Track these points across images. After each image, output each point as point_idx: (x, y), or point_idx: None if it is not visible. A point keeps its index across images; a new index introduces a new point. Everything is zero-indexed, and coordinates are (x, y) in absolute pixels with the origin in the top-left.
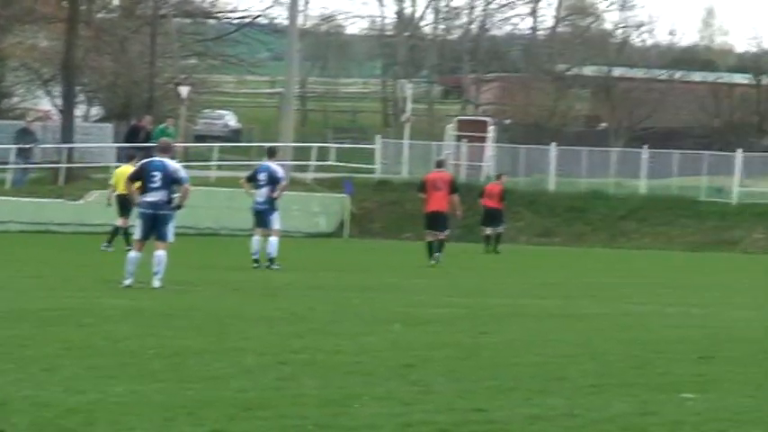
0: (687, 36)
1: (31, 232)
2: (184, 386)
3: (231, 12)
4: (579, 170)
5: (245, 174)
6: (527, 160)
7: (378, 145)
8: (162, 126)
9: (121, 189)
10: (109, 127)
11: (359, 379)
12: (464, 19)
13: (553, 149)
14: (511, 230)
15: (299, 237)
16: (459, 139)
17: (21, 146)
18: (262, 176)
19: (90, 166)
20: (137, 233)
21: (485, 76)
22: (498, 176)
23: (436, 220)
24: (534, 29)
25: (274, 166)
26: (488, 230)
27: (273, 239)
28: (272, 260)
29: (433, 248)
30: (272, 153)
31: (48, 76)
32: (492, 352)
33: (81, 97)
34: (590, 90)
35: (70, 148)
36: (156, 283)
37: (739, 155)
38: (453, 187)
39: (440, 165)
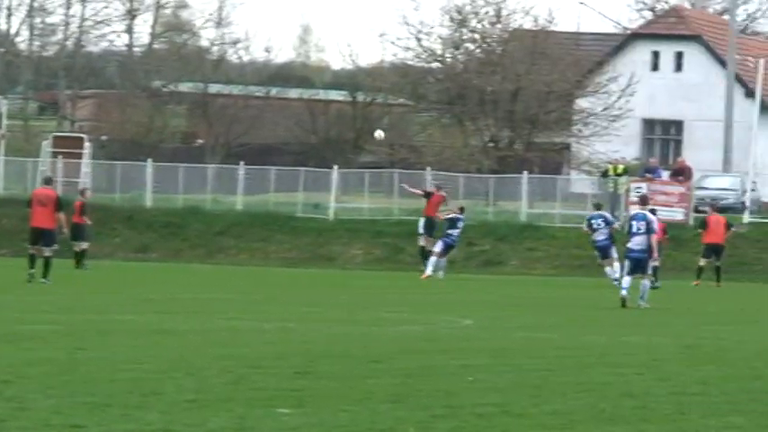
0: (283, 53)
1: None
2: None
3: None
4: (176, 186)
5: None
6: (124, 176)
7: None
8: None
9: None
10: None
11: None
12: (59, 35)
13: (149, 166)
14: (108, 246)
15: None
16: (55, 155)
17: None
18: None
19: None
20: None
21: (81, 92)
22: (82, 192)
23: (41, 236)
24: (130, 45)
25: None
26: (76, 246)
27: None
28: None
29: (34, 262)
30: None
31: None
32: (89, 368)
33: None
34: (186, 106)
35: None
36: None
37: (335, 171)
38: (58, 205)
39: (47, 182)
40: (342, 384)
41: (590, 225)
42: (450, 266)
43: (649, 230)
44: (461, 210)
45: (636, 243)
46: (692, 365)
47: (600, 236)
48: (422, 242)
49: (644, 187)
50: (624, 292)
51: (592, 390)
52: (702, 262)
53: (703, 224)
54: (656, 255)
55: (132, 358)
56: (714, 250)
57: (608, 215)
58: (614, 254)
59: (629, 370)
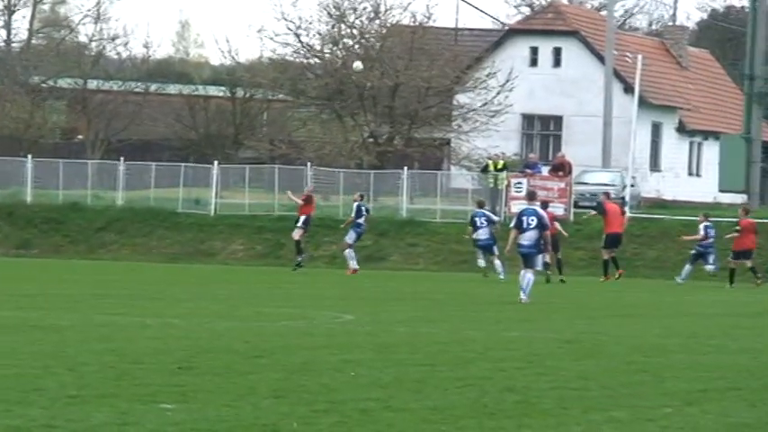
0: (162, 48)
1: None
2: None
3: None
4: (56, 182)
5: None
6: (3, 172)
7: None
8: None
9: None
10: None
11: None
12: None
13: (29, 162)
14: None
15: None
16: None
17: None
18: None
19: None
20: None
21: None
22: None
23: None
24: (8, 41)
25: None
26: None
27: None
28: None
29: None
30: None
31: None
32: None
33: None
34: (66, 102)
35: None
36: None
37: (216, 167)
38: None
39: None
40: (224, 380)
41: (473, 223)
42: (332, 261)
43: (541, 225)
44: (361, 197)
45: (527, 238)
46: (572, 360)
47: (482, 234)
48: (297, 236)
49: (524, 183)
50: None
51: (473, 385)
52: (606, 255)
53: (602, 210)
54: (549, 248)
55: (12, 354)
56: (617, 240)
57: (490, 213)
58: (496, 251)
59: (510, 365)
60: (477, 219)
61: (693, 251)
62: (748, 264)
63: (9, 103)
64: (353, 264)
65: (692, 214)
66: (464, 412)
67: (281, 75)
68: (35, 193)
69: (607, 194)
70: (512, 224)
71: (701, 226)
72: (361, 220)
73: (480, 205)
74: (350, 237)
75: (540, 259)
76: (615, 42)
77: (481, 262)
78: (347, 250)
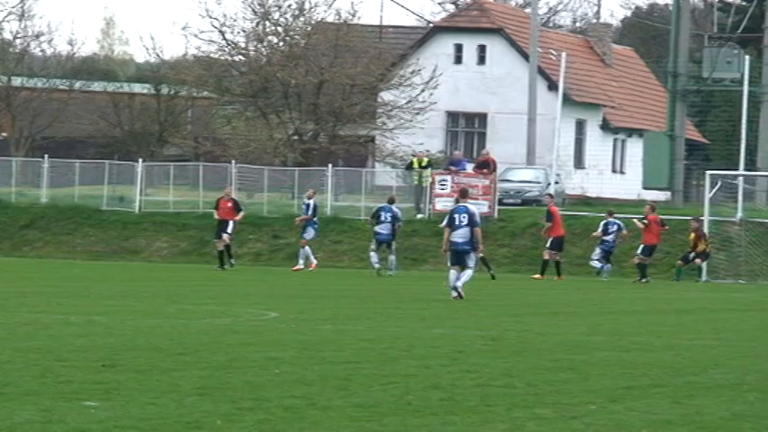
0: (87, 46)
1: None
2: None
3: None
4: None
5: None
6: None
7: None
8: None
9: None
10: None
11: None
12: None
13: None
14: None
15: None
16: None
17: None
18: None
19: None
20: None
21: None
22: None
23: None
24: None
25: None
26: None
27: None
28: None
29: None
30: None
31: None
32: None
33: None
34: None
35: None
36: None
37: (140, 164)
38: None
39: None
40: (148, 377)
41: (377, 215)
42: (256, 258)
43: (472, 223)
44: (314, 193)
45: (459, 236)
46: (497, 357)
47: (384, 229)
48: (228, 242)
49: (448, 180)
50: (454, 289)
51: (398, 382)
52: (547, 255)
53: (551, 217)
54: (481, 247)
55: None
56: (561, 243)
57: (398, 211)
58: (393, 247)
59: (435, 362)
60: (382, 213)
61: (599, 249)
62: (645, 261)
63: None
64: (312, 259)
65: (616, 212)
66: (389, 409)
67: (205, 72)
68: None
69: (551, 195)
70: (443, 223)
71: (602, 223)
72: (315, 218)
73: (390, 201)
74: (308, 234)
75: (473, 257)
76: (539, 40)
77: (375, 261)
78: (305, 247)
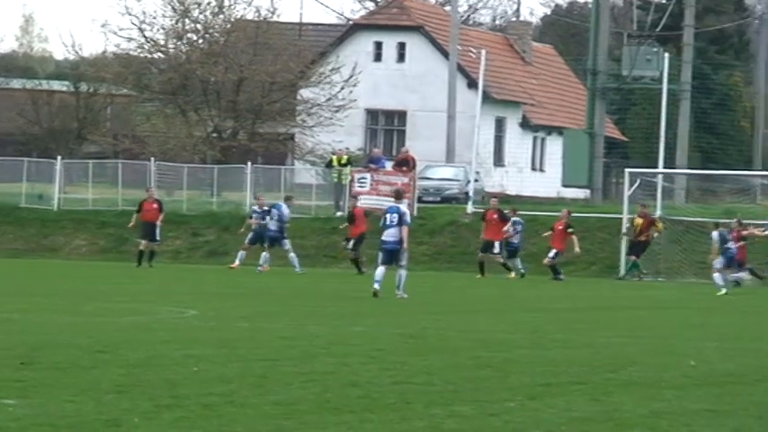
0: (6, 42)
1: None
2: None
3: None
4: None
5: None
6: None
7: None
8: None
9: None
10: None
11: None
12: None
13: None
14: None
15: None
16: None
17: None
18: None
19: None
20: None
21: None
22: None
23: None
24: None
25: None
26: None
27: None
28: None
29: None
30: None
31: None
32: None
33: None
34: None
35: None
36: None
37: (59, 162)
38: None
39: None
40: (67, 375)
41: (268, 213)
42: (176, 256)
43: (402, 222)
44: (289, 198)
45: (389, 235)
46: (416, 355)
47: (272, 226)
48: (143, 247)
49: (368, 177)
50: (377, 286)
51: (316, 380)
52: (480, 257)
53: (483, 216)
54: (405, 245)
55: None
56: (489, 245)
57: (286, 211)
58: (286, 245)
59: (353, 360)
60: (273, 209)
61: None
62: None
63: None
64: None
65: (535, 209)
66: (307, 407)
67: (124, 69)
68: None
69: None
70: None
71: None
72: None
73: (287, 199)
74: (285, 245)
75: (405, 255)
76: (459, 37)
77: (265, 260)
78: (291, 254)
